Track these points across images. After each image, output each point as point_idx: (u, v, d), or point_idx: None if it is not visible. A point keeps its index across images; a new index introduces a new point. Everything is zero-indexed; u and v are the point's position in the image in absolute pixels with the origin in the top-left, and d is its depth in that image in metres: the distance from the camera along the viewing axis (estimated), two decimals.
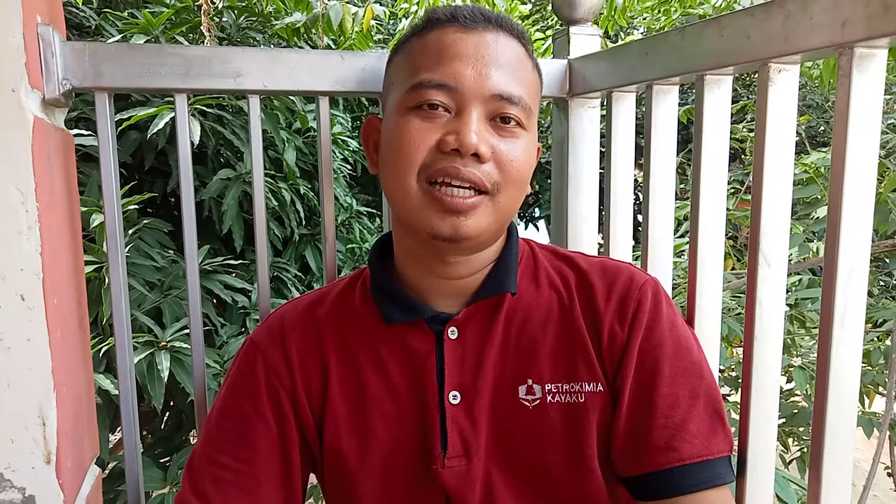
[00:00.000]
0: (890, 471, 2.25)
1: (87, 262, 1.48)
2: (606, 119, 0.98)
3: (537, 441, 0.72)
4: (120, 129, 1.77)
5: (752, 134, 2.48)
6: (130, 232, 1.71)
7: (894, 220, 1.80)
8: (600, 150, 1.04)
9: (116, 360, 0.89)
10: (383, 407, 0.74)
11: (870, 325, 2.19)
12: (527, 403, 0.72)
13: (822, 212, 1.97)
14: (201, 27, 1.88)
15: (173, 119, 0.88)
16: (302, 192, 2.13)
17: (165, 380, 1.51)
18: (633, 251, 1.03)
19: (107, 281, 1.47)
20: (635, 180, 1.00)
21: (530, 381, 0.73)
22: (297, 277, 2.17)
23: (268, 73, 0.87)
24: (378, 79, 0.81)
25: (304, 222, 2.21)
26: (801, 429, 1.99)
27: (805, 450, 1.98)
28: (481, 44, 0.68)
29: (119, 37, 1.84)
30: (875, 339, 2.17)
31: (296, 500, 0.76)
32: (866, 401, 2.18)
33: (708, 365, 0.75)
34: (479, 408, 0.72)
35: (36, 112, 0.71)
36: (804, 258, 2.08)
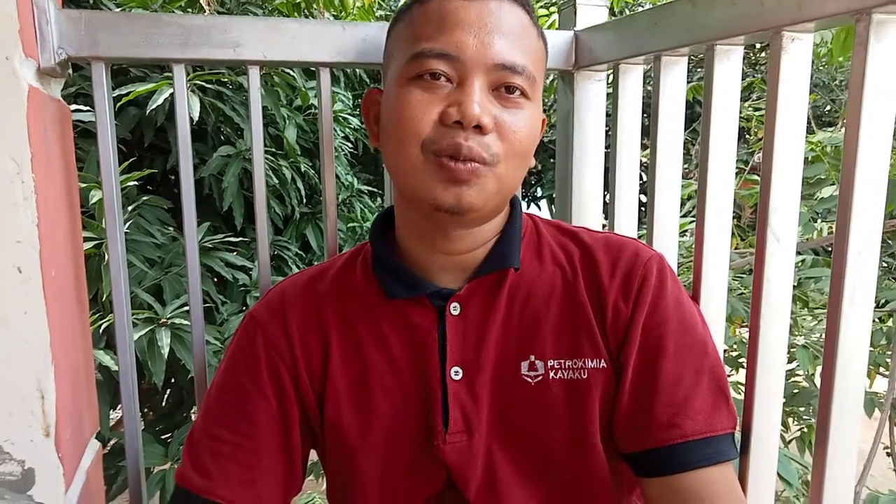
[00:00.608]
0: (889, 451, 2.26)
1: (87, 239, 1.47)
2: (613, 92, 0.96)
3: (539, 417, 0.71)
4: (119, 104, 1.75)
5: (757, 113, 2.46)
6: (130, 209, 1.70)
7: None
8: (605, 129, 1.02)
9: (116, 337, 0.88)
10: (384, 382, 0.73)
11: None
12: (529, 379, 0.72)
13: (827, 191, 1.96)
14: (200, 1, 1.85)
15: (172, 94, 0.86)
16: (303, 169, 2.11)
17: (166, 357, 1.51)
18: (638, 231, 1.01)
19: (106, 257, 1.46)
20: (640, 161, 0.98)
21: (533, 358, 0.72)
22: (297, 256, 2.17)
23: (267, 43, 0.85)
24: (379, 50, 0.79)
25: (304, 200, 2.20)
26: (801, 409, 1.99)
27: (805, 430, 1.99)
28: (484, 11, 0.66)
29: (118, 11, 1.81)
30: (877, 319, 2.16)
31: (296, 476, 0.76)
32: (867, 381, 2.18)
33: (713, 341, 0.74)
34: (480, 384, 0.72)
35: (31, 81, 0.70)
36: (808, 238, 2.06)
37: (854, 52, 0.59)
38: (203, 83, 1.83)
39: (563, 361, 0.72)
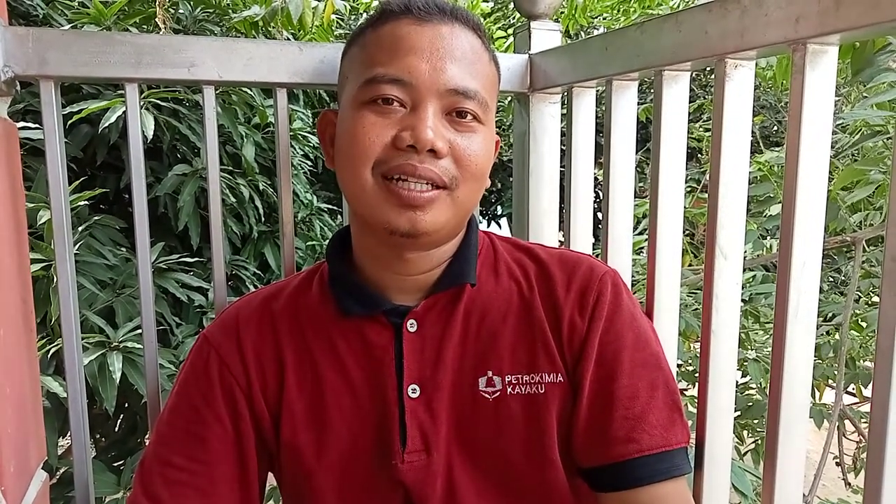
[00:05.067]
0: (838, 461, 2.32)
1: (35, 261, 1.42)
2: (567, 115, 0.98)
3: (498, 433, 0.72)
4: (70, 122, 1.71)
5: (708, 133, 2.53)
6: (81, 229, 1.65)
7: (843, 216, 1.86)
8: (561, 148, 1.04)
9: (65, 362, 0.86)
10: (341, 402, 0.73)
11: (820, 318, 2.25)
12: (487, 395, 0.72)
13: (775, 209, 2.02)
14: (155, 19, 1.82)
15: (125, 113, 0.85)
16: (261, 188, 2.09)
17: (118, 381, 1.47)
18: (593, 249, 1.03)
19: (55, 279, 1.41)
20: (595, 178, 1.00)
21: (490, 373, 0.72)
22: (255, 275, 2.13)
23: (223, 63, 0.85)
24: (337, 71, 0.80)
25: (263, 219, 2.17)
26: (755, 421, 2.04)
27: (759, 441, 2.03)
28: (436, 36, 0.67)
29: (68, 27, 1.78)
30: (825, 333, 2.23)
31: (253, 501, 0.75)
32: (816, 393, 2.25)
33: (665, 356, 0.76)
34: (438, 401, 0.72)
35: None
36: (758, 254, 2.13)
37: (792, 79, 0.62)
38: (158, 100, 1.80)
39: (520, 376, 0.72)
